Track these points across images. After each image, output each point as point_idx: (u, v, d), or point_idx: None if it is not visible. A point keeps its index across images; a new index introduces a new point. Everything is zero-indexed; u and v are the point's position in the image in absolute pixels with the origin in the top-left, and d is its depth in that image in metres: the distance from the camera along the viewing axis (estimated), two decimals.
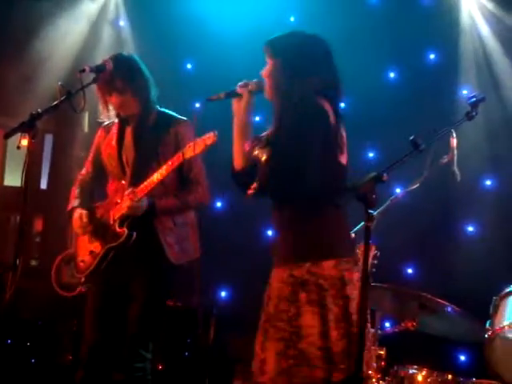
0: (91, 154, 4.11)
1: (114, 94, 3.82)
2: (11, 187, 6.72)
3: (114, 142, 3.93)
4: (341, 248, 2.73)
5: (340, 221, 2.77)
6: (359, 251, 3.66)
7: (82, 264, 3.91)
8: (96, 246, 3.85)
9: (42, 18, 6.14)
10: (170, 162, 3.61)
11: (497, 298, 3.99)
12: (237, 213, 4.27)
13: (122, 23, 6.37)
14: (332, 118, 2.74)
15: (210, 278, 4.39)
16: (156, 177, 3.66)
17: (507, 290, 3.99)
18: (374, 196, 2.32)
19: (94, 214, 3.92)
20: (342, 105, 5.67)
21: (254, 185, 2.74)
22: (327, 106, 2.74)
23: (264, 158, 2.68)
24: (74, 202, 3.99)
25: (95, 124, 6.36)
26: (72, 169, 6.90)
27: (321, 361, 2.58)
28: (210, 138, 3.45)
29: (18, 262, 3.05)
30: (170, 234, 3.81)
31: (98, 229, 3.86)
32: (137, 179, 3.77)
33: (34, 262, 6.67)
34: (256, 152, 2.70)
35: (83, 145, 6.85)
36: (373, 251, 3.46)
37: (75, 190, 4.06)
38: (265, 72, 2.90)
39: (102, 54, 5.96)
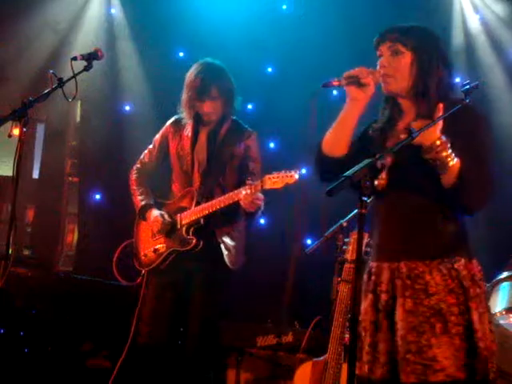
0: (157, 145, 4.21)
1: (206, 102, 3.94)
2: (3, 177, 6.69)
3: (188, 144, 4.03)
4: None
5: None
6: (352, 239, 3.69)
7: (144, 258, 4.06)
8: (160, 245, 4.00)
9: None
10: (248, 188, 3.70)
11: (489, 285, 4.00)
12: None
13: (113, 11, 6.32)
14: None
15: None
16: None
17: (499, 277, 4.01)
18: (368, 183, 2.32)
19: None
20: (335, 92, 5.73)
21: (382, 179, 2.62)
22: None
23: (453, 163, 2.44)
24: (143, 199, 4.11)
25: (87, 113, 6.40)
26: (64, 159, 6.88)
27: (486, 358, 2.49)
28: (292, 176, 3.62)
29: (10, 251, 3.05)
30: (228, 239, 3.96)
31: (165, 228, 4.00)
32: (205, 191, 3.94)
33: (26, 251, 6.65)
34: (444, 154, 2.43)
35: (75, 134, 6.83)
36: (366, 238, 3.46)
37: (137, 182, 4.18)
38: (394, 64, 2.69)
39: (90, 42, 5.93)
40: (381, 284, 2.62)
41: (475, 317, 2.50)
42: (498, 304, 3.86)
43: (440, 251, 2.57)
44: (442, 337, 2.47)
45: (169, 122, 4.20)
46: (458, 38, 5.77)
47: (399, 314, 2.54)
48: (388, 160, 2.59)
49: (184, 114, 4.07)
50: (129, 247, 4.20)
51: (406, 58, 2.69)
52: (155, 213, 4.05)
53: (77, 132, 6.75)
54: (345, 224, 3.89)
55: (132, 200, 4.22)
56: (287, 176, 3.60)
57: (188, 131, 4.07)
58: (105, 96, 6.04)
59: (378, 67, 2.72)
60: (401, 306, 2.54)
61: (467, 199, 2.53)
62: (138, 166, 4.26)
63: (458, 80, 5.52)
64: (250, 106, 5.95)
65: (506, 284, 3.94)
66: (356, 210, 2.40)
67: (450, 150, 2.44)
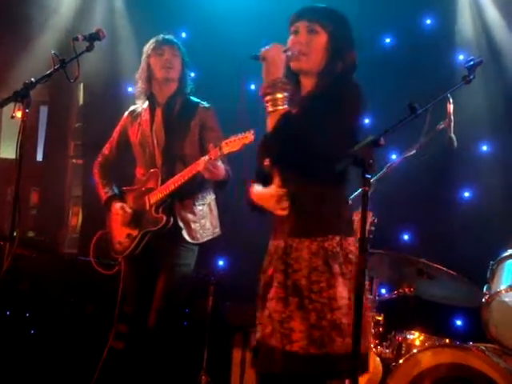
0: (116, 136, 4.31)
1: (165, 50, 4.07)
2: (7, 159, 6.69)
3: (148, 126, 4.13)
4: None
5: None
6: (356, 218, 3.68)
7: (119, 246, 4.15)
8: (132, 230, 4.09)
9: None
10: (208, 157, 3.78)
11: (494, 262, 4.01)
12: (234, 181, 4.26)
13: None
14: None
15: (207, 247, 4.40)
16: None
17: (504, 254, 4.01)
18: (371, 161, 2.31)
19: (126, 200, 4.19)
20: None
21: None
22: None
23: (279, 108, 2.70)
24: (107, 191, 4.23)
25: (90, 95, 6.38)
26: (68, 141, 6.88)
27: (350, 332, 2.56)
28: (247, 137, 3.65)
29: (14, 233, 3.05)
30: (188, 214, 4.03)
31: (133, 214, 4.09)
32: (167, 168, 4.03)
33: (31, 234, 6.67)
34: (279, 95, 2.71)
35: (78, 116, 6.82)
36: (370, 217, 3.46)
37: (100, 174, 4.29)
38: (310, 43, 2.80)
39: (94, 25, 5.90)
40: (271, 261, 2.79)
41: (341, 293, 2.62)
42: (502, 281, 3.86)
43: (312, 230, 2.70)
44: (297, 311, 2.63)
45: (126, 113, 4.30)
46: (464, 14, 5.70)
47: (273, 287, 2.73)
48: None
49: (138, 93, 4.18)
50: (104, 236, 4.29)
51: (322, 38, 2.80)
52: (117, 205, 4.16)
53: (80, 114, 6.75)
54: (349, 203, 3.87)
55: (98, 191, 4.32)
56: (243, 137, 3.66)
57: (145, 116, 4.16)
58: (107, 78, 6.01)
59: (288, 43, 2.82)
60: (275, 279, 2.72)
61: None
62: (100, 159, 4.36)
63: (461, 57, 5.52)
64: (252, 87, 5.92)
65: (510, 261, 3.94)
66: (360, 189, 2.40)
67: (286, 94, 2.65)
